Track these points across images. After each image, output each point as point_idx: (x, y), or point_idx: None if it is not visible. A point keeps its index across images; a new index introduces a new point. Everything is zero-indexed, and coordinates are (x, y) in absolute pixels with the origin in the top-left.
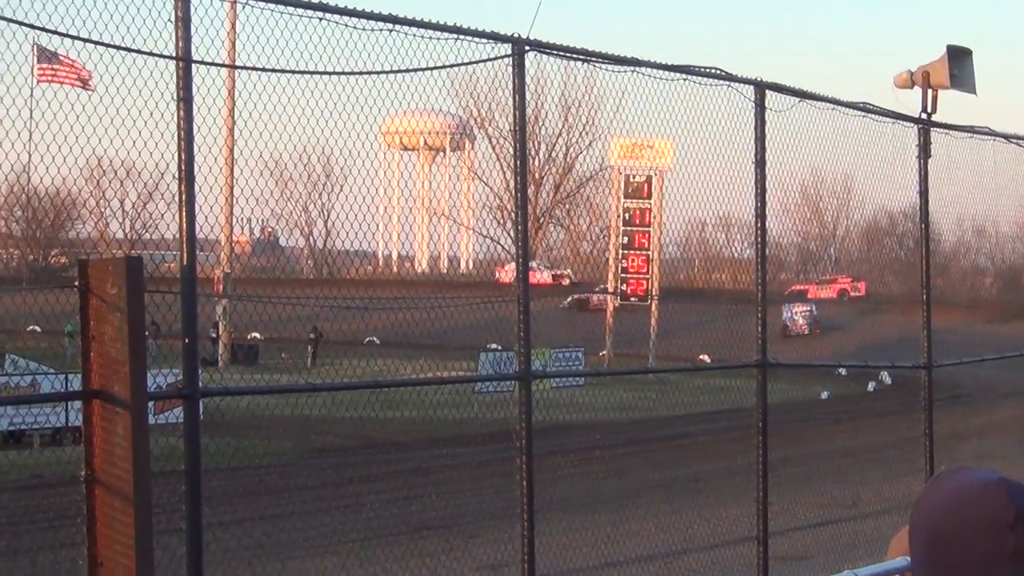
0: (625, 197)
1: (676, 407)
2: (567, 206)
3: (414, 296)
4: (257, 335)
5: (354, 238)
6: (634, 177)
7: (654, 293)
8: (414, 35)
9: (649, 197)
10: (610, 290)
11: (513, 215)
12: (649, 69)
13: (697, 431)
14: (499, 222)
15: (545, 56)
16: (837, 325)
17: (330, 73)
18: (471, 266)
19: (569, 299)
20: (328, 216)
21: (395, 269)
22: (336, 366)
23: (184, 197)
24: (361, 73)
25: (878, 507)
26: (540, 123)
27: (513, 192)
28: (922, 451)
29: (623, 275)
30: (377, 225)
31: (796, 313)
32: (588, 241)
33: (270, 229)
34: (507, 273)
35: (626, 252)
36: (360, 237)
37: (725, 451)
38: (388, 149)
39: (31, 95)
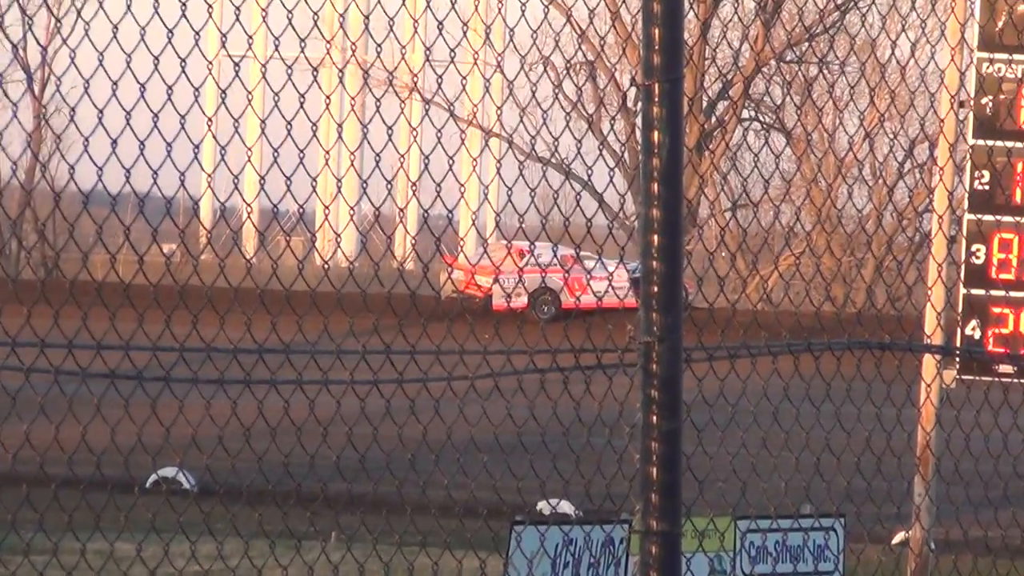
0: (981, 49)
1: None
2: (795, 83)
3: (312, 351)
4: None
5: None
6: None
7: None
8: None
9: None
10: (929, 336)
11: (633, 95)
12: None
13: None
14: (585, 116)
15: None
16: None
17: None
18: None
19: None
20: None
21: (260, 257)
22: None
23: None
24: None
25: None
26: None
27: (641, 28)
28: None
29: (977, 287)
30: (209, 127)
31: None
32: (856, 189)
33: None
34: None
35: (989, 225)
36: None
37: None
38: None
39: None
